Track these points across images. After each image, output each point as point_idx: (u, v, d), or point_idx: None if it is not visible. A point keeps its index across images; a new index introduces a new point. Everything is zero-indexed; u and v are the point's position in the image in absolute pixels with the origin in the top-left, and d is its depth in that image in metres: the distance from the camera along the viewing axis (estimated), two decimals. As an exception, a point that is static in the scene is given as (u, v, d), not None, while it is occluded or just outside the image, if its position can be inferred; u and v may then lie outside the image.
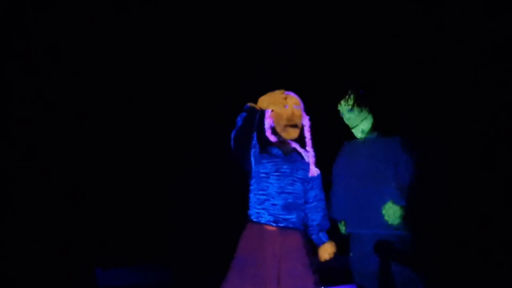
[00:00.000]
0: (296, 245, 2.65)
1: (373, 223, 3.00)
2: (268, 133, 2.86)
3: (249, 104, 2.59)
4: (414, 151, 3.03)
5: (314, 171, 2.74)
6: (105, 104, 4.45)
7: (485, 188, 3.89)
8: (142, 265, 4.52)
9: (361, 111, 3.09)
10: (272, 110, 2.83)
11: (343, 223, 3.18)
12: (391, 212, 2.90)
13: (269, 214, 2.65)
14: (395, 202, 2.91)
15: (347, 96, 3.10)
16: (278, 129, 2.82)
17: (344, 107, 3.12)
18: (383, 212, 2.93)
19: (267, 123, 2.85)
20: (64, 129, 4.38)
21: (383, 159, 3.06)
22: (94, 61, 4.33)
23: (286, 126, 2.76)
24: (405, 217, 2.92)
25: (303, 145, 2.85)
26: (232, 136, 2.59)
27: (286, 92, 2.88)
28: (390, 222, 2.91)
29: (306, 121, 2.84)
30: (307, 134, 2.83)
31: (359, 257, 3.06)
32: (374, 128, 3.12)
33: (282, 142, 2.82)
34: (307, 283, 2.56)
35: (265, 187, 2.68)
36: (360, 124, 3.09)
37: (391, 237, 2.98)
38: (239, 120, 2.58)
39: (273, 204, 2.68)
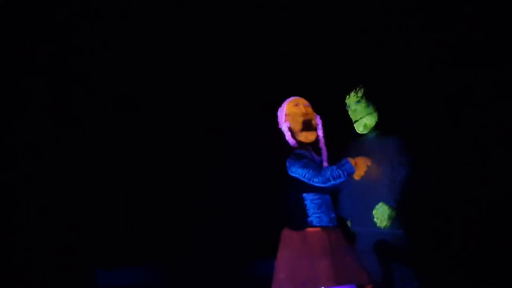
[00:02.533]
0: (342, 241, 2.73)
1: (371, 221, 3.07)
2: (288, 137, 2.90)
3: (354, 168, 2.66)
4: (408, 151, 3.10)
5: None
6: (108, 105, 4.45)
7: (480, 186, 3.95)
8: (142, 266, 4.52)
9: (368, 105, 3.15)
10: (286, 114, 2.90)
11: (349, 221, 3.26)
12: (380, 213, 2.94)
13: (326, 216, 2.74)
14: (386, 202, 2.94)
15: (357, 88, 3.17)
16: (296, 129, 2.87)
17: (352, 98, 3.16)
18: (373, 212, 2.97)
19: (284, 126, 2.91)
20: (67, 130, 4.37)
21: (380, 158, 3.11)
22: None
23: (303, 124, 2.83)
24: (398, 217, 2.99)
25: (317, 143, 2.92)
26: (322, 186, 2.68)
27: (292, 97, 2.97)
28: (378, 224, 2.94)
29: (318, 120, 2.93)
30: (320, 132, 2.91)
31: (361, 253, 3.11)
32: (376, 127, 3.19)
33: (304, 144, 2.88)
34: (361, 275, 2.63)
35: (316, 192, 2.76)
36: (364, 118, 3.14)
37: (388, 235, 3.03)
38: (340, 180, 2.66)
39: (327, 206, 2.76)
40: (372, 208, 3.05)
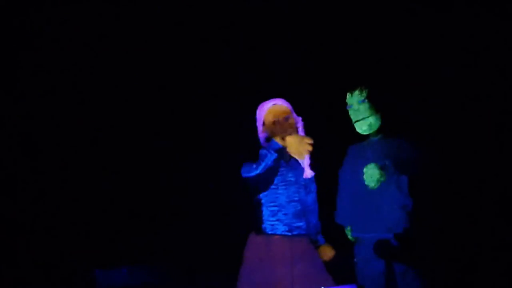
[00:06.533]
0: (306, 248, 2.70)
1: (376, 226, 3.03)
2: (264, 144, 2.86)
3: (280, 144, 2.58)
4: (413, 152, 3.05)
5: (308, 173, 2.75)
6: (100, 104, 4.42)
7: (485, 189, 3.89)
8: (142, 265, 4.52)
9: (372, 105, 3.07)
10: (263, 124, 2.85)
11: (349, 228, 3.19)
12: (369, 174, 2.92)
13: (284, 225, 2.70)
14: (376, 165, 2.92)
15: (361, 87, 3.09)
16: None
17: (356, 97, 3.08)
18: (364, 170, 2.94)
19: (261, 136, 2.86)
20: (62, 129, 4.35)
21: (384, 161, 3.07)
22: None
23: (281, 136, 2.77)
24: (403, 221, 2.95)
25: None
26: (257, 172, 2.61)
27: (273, 100, 2.89)
28: (366, 183, 2.92)
29: (299, 123, 2.85)
30: (301, 135, 2.84)
31: (363, 260, 3.08)
32: (380, 129, 3.12)
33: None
34: (322, 283, 2.60)
35: (275, 199, 2.71)
36: (369, 117, 3.06)
37: (393, 241, 3.00)
38: (269, 162, 2.59)
39: (285, 214, 2.71)
40: (378, 212, 3.03)
